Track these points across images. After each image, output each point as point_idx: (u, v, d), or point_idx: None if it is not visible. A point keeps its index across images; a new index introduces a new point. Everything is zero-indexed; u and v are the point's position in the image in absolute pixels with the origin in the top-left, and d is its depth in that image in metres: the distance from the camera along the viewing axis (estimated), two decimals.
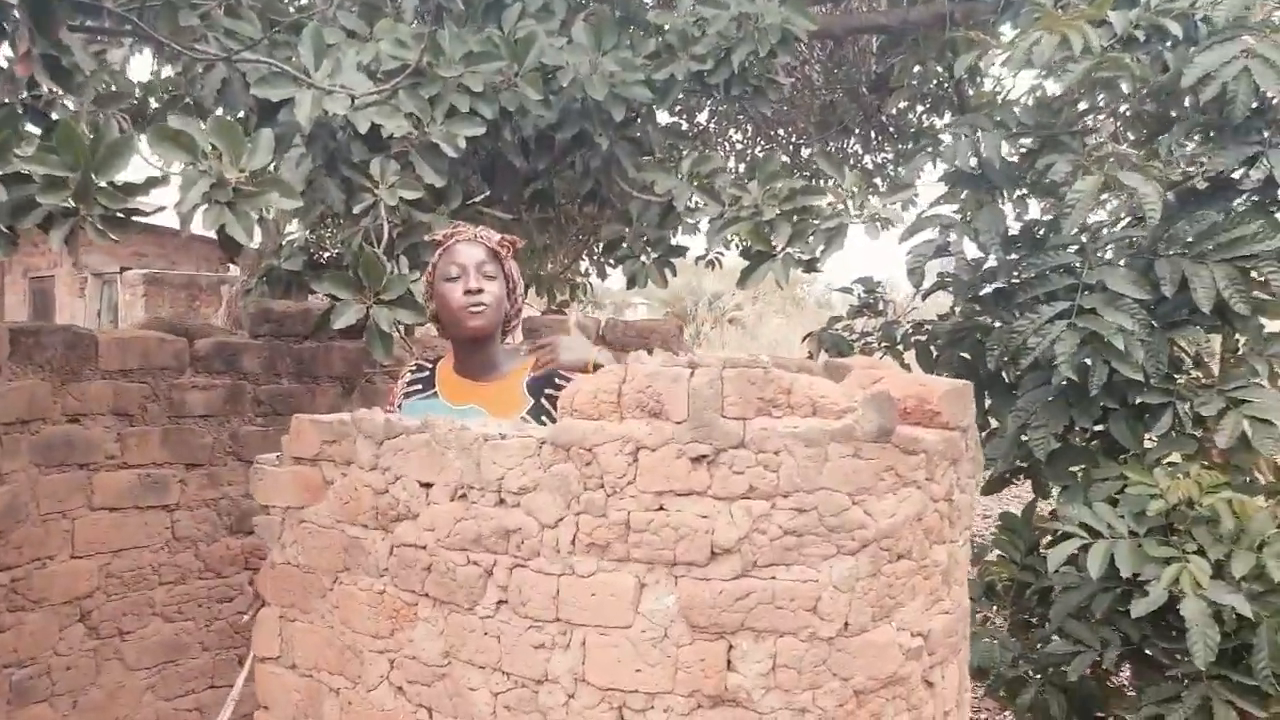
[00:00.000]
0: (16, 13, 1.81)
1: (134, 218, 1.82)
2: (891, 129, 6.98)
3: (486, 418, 1.89)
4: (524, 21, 3.47)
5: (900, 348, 4.12)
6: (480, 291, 2.10)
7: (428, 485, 1.72)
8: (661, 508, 1.48)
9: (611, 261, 5.97)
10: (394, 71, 2.96)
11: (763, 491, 1.46)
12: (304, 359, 3.28)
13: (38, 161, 1.67)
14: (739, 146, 7.51)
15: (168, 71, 3.15)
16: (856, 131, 6.96)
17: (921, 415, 1.66)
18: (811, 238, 2.72)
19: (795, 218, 2.81)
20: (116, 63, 3.86)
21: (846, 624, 1.49)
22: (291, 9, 4.06)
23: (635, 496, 1.49)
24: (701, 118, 6.99)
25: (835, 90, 6.75)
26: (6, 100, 1.91)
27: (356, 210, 2.77)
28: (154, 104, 3.67)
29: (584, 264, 7.25)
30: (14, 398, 2.42)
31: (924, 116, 6.72)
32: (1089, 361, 2.83)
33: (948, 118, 6.33)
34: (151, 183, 1.83)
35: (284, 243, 3.84)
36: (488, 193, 3.42)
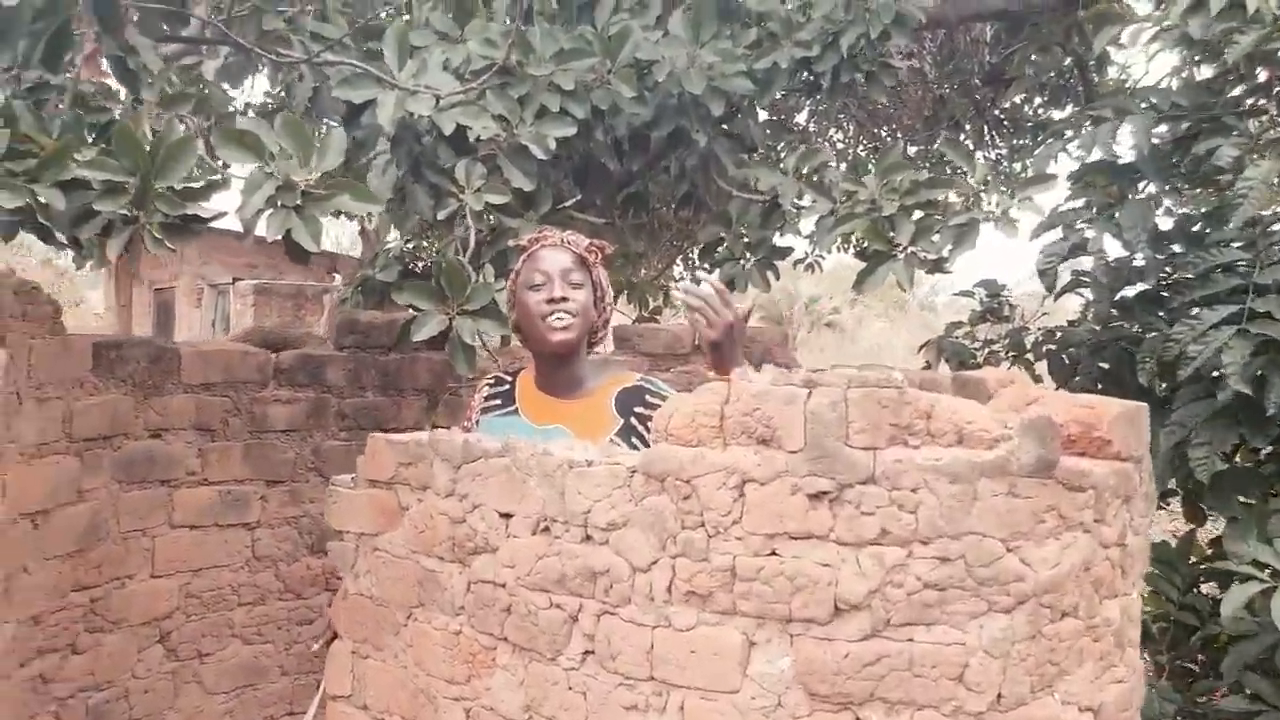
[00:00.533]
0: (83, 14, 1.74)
1: (193, 225, 1.71)
2: (1006, 124, 6.57)
3: (571, 439, 1.71)
4: (618, 16, 3.32)
5: (1030, 357, 3.79)
6: (564, 300, 1.93)
7: (507, 516, 1.55)
8: (774, 553, 1.27)
9: (708, 265, 5.79)
10: (482, 72, 2.84)
11: (897, 536, 1.24)
12: (389, 371, 3.18)
13: (96, 167, 1.58)
14: (839, 146, 7.21)
15: (263, 85, 3.12)
16: (967, 128, 6.58)
17: (1088, 444, 1.40)
18: (937, 235, 2.46)
19: (918, 213, 2.55)
20: (209, 74, 3.87)
21: (1000, 696, 1.25)
22: (383, 14, 4.01)
23: (742, 538, 1.28)
24: (800, 118, 6.73)
25: (946, 84, 6.39)
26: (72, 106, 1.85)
27: (441, 216, 2.65)
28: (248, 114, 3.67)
29: (678, 269, 7.07)
30: (96, 413, 2.37)
31: (1041, 109, 6.29)
32: (1262, 373, 2.48)
33: (1069, 110, 5.91)
34: (212, 186, 1.72)
35: (380, 252, 3.79)
36: (579, 196, 3.26)
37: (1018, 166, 6.29)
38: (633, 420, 1.88)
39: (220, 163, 1.80)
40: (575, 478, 1.42)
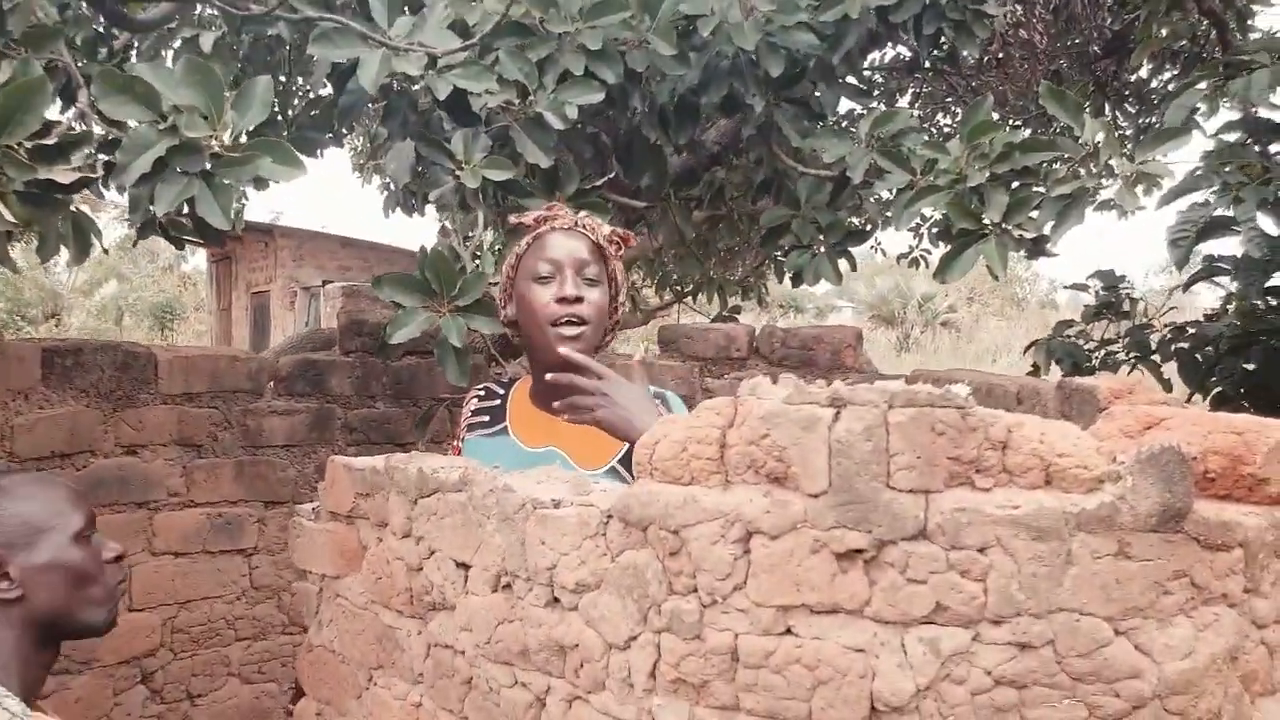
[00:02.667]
0: None
1: (58, 195, 1.50)
2: (1130, 99, 6.06)
3: (560, 466, 1.46)
4: None
5: (1157, 359, 3.39)
6: (578, 302, 1.68)
7: (465, 566, 1.31)
8: (789, 631, 1.00)
9: (779, 254, 5.47)
10: (493, 30, 2.62)
11: (958, 613, 0.95)
12: (402, 378, 3.00)
13: None
14: (920, 116, 6.79)
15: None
16: (1086, 104, 6.09)
17: (1234, 483, 1.08)
18: (1038, 210, 2.12)
19: (1014, 184, 2.22)
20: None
21: None
22: None
23: (746, 611, 1.01)
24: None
25: (1059, 57, 5.92)
26: None
27: (432, 197, 2.43)
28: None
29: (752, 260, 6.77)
30: (48, 427, 2.23)
31: (1172, 83, 5.78)
32: None
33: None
34: (70, 145, 1.50)
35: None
36: (612, 175, 3.01)
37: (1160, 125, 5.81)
38: (632, 465, 1.63)
39: (100, 119, 1.59)
40: (537, 523, 1.16)
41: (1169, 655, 0.97)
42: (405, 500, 1.44)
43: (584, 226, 1.77)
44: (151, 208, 1.55)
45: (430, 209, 5.68)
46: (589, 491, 1.19)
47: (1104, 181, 2.27)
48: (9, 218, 1.41)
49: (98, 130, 1.71)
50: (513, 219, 1.92)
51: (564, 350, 1.62)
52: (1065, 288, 3.86)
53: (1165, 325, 3.56)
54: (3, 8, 1.56)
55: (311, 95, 4.40)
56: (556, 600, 1.16)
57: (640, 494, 1.07)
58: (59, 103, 2.30)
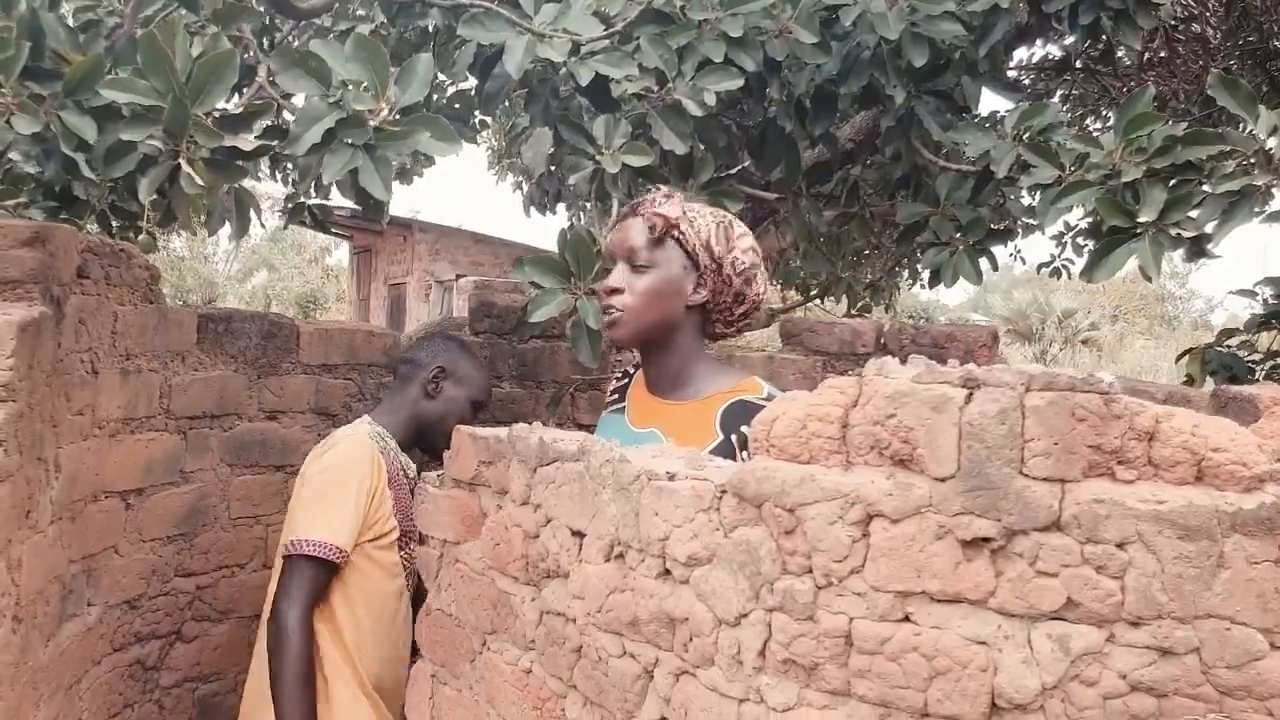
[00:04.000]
0: None
1: (239, 161, 1.58)
2: None
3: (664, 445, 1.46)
4: None
5: None
6: (615, 292, 1.71)
7: (579, 535, 1.32)
8: (907, 618, 0.96)
9: (916, 253, 5.30)
10: (634, 18, 2.63)
11: (1092, 611, 0.90)
12: (527, 360, 3.04)
13: (120, 87, 1.47)
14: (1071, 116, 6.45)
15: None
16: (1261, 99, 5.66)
17: None
18: (1199, 209, 1.99)
19: (1173, 180, 2.08)
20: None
21: None
22: None
23: (863, 594, 0.98)
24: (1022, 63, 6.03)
25: (1230, 55, 5.53)
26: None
27: (572, 181, 2.45)
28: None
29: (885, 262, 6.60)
30: (202, 389, 2.36)
31: None
32: None
33: None
34: (255, 113, 1.58)
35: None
36: (745, 164, 2.98)
37: None
38: (733, 439, 1.61)
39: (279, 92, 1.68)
40: (652, 494, 1.16)
41: None
42: (525, 468, 1.46)
43: (651, 213, 1.72)
44: (318, 180, 1.63)
45: (562, 208, 5.77)
46: (703, 466, 1.18)
47: (1276, 179, 2.11)
48: (198, 182, 1.51)
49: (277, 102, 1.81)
50: (617, 206, 1.93)
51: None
52: (1230, 293, 3.59)
53: None
54: None
55: (453, 90, 4.54)
56: (668, 572, 1.15)
57: (756, 470, 1.05)
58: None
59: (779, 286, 6.63)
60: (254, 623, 2.62)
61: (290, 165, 3.78)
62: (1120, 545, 0.89)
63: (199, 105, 1.49)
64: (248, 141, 1.56)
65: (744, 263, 1.71)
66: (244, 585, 2.55)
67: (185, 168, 1.48)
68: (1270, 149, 2.04)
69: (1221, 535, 0.88)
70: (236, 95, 2.11)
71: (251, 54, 1.75)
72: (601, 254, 2.29)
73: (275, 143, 1.69)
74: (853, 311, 6.15)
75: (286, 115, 1.83)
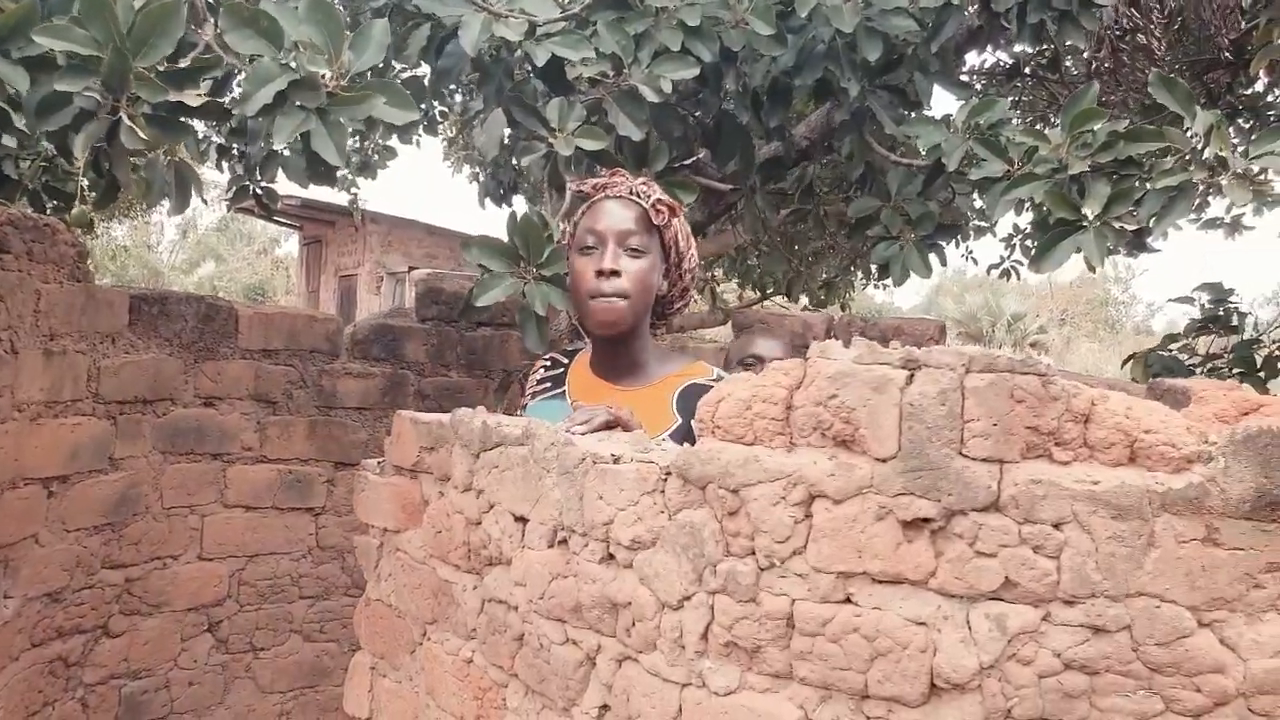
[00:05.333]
0: None
1: (185, 119, 1.54)
2: (1243, 110, 5.79)
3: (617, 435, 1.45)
4: None
5: (1262, 375, 3.24)
6: (614, 275, 1.65)
7: (523, 520, 1.32)
8: (848, 599, 0.98)
9: (868, 249, 5.36)
10: (593, 2, 2.63)
11: (1029, 591, 0.92)
12: (476, 348, 3.03)
13: (57, 35, 1.42)
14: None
15: None
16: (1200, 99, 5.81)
17: None
18: (1141, 204, 2.04)
19: (1116, 175, 2.14)
20: None
21: None
22: None
23: (804, 576, 0.99)
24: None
25: (1176, 64, 5.68)
26: None
27: (524, 163, 2.44)
28: None
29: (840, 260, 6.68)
30: (134, 373, 2.31)
31: None
32: None
33: None
34: (203, 69, 1.54)
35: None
36: (701, 154, 2.99)
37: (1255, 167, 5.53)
38: (693, 423, 1.61)
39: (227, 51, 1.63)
40: (596, 477, 1.16)
41: (1257, 652, 0.92)
42: (468, 454, 1.45)
43: (637, 194, 1.71)
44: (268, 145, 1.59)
45: (519, 200, 5.73)
46: (649, 449, 1.19)
47: (1212, 177, 2.17)
48: (141, 136, 1.46)
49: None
50: (573, 185, 1.92)
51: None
52: (1170, 300, 3.69)
53: (1275, 342, 3.40)
54: None
55: (407, 75, 4.49)
56: (611, 557, 1.16)
57: (701, 452, 1.06)
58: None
59: (736, 284, 6.67)
60: (187, 616, 2.58)
61: (237, 150, 3.71)
62: (1056, 525, 0.91)
63: (141, 58, 1.45)
64: (193, 97, 1.52)
65: (694, 263, 1.74)
66: (177, 577, 2.51)
67: (126, 121, 1.44)
68: (1204, 148, 2.10)
69: (1152, 515, 0.91)
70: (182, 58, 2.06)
71: (200, 9, 1.70)
72: (552, 238, 2.28)
73: (224, 100, 1.64)
74: (808, 308, 6.21)
75: (236, 83, 1.79)
